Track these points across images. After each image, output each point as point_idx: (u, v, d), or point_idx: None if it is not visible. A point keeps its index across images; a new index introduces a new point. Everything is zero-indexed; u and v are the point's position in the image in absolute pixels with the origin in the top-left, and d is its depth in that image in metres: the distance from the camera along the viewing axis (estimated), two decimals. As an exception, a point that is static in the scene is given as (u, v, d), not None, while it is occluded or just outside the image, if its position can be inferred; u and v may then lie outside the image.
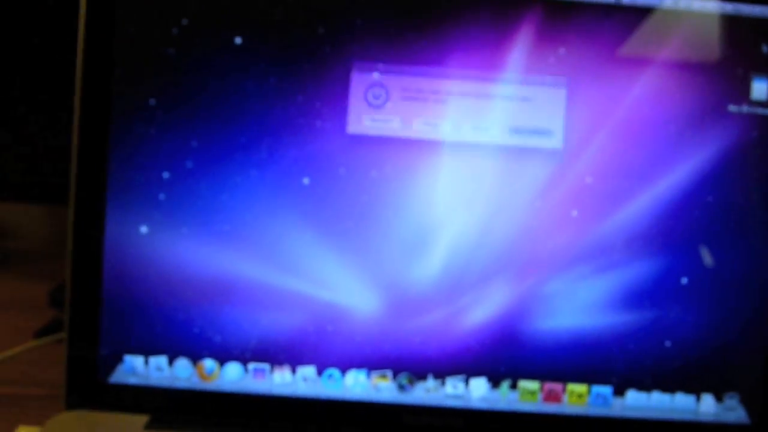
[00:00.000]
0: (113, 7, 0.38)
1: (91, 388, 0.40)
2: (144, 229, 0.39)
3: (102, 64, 0.38)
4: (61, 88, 0.43)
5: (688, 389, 0.40)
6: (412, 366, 0.40)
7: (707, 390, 0.40)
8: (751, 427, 0.41)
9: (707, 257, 0.39)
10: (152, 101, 0.38)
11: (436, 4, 0.38)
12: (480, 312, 0.40)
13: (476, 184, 0.39)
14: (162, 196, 0.39)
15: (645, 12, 0.39)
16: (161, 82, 0.38)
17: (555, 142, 0.39)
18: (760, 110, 0.39)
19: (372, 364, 0.40)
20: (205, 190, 0.39)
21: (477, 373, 0.40)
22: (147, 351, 0.40)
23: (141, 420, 0.39)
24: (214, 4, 0.38)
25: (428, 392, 0.40)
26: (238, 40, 0.38)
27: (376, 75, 0.38)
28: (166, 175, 0.39)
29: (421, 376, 0.40)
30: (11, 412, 0.43)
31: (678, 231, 0.40)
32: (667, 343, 0.40)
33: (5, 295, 0.62)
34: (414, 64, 0.38)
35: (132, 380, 0.40)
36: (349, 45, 0.38)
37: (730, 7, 0.39)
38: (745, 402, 0.41)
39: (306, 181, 0.39)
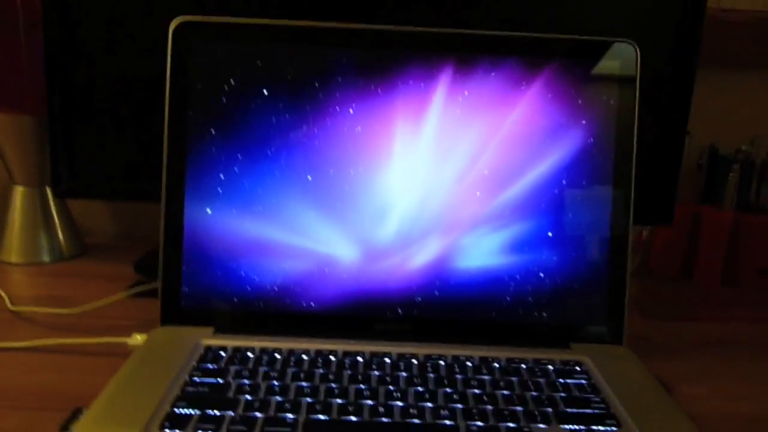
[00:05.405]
0: (187, 73, 0.62)
1: (176, 311, 0.63)
2: (209, 210, 0.62)
3: (180, 106, 0.62)
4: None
5: (558, 307, 0.64)
6: (377, 294, 0.63)
7: (574, 306, 0.64)
8: (603, 337, 0.64)
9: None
10: (212, 131, 0.62)
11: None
12: (421, 257, 0.63)
13: (416, 175, 0.63)
14: (220, 190, 0.62)
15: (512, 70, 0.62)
16: (218, 119, 0.62)
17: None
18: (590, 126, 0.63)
19: (352, 293, 0.63)
20: (246, 186, 0.62)
21: (420, 295, 0.63)
22: (212, 288, 0.63)
23: (209, 330, 0.62)
24: (251, 70, 0.62)
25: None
26: (265, 92, 0.62)
27: (351, 110, 0.62)
28: (222, 176, 0.62)
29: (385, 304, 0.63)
30: (123, 329, 0.66)
31: (545, 202, 0.63)
32: (541, 275, 0.64)
33: (92, 271, 0.86)
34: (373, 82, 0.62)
35: (202, 305, 0.63)
36: (333, 90, 0.62)
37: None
38: (600, 315, 0.64)
39: (309, 177, 0.62)
